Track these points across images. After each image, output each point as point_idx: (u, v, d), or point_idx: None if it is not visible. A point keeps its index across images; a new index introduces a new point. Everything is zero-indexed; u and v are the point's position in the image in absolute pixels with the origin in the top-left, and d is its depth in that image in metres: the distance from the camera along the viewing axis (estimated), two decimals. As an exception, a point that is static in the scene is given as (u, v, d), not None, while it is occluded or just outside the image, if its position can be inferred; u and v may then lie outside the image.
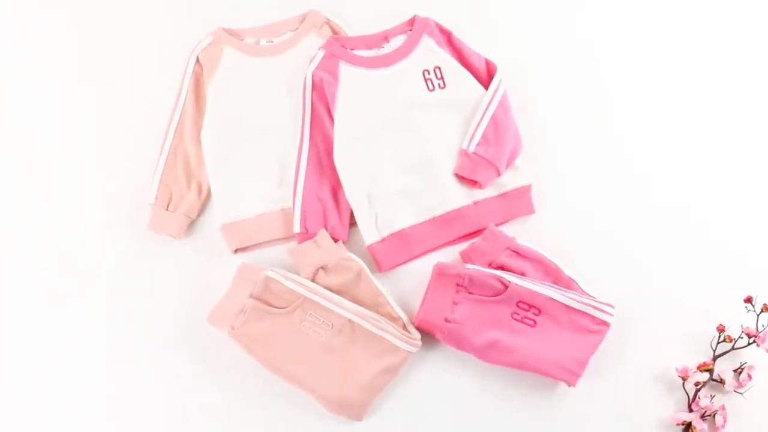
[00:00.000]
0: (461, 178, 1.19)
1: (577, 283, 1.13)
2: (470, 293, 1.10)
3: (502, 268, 1.14)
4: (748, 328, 1.09)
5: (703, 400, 1.07)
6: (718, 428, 1.06)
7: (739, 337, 1.10)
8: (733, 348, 1.10)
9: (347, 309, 1.09)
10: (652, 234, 1.21)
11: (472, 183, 1.19)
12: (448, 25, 1.29)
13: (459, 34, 1.28)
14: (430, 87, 1.24)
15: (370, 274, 1.13)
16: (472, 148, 1.18)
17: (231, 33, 1.31)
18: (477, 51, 1.27)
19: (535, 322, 1.09)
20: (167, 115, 1.26)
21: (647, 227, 1.22)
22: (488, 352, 1.08)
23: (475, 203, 1.19)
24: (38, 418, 1.14)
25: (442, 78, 1.24)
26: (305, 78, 1.21)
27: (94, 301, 1.20)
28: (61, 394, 1.15)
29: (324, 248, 1.14)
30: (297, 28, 1.32)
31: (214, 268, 1.18)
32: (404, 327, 1.11)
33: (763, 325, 1.09)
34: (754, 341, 1.08)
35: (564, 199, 1.23)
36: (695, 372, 1.08)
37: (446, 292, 1.11)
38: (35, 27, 1.42)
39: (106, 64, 1.38)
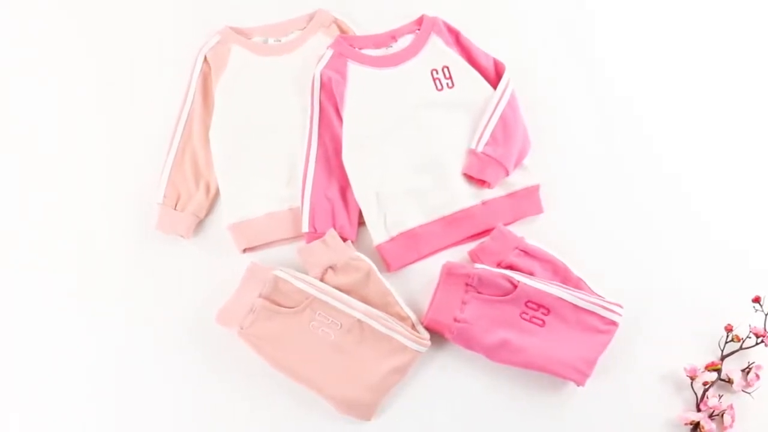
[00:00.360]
0: (470, 178, 1.19)
1: (585, 283, 1.13)
2: (479, 293, 1.10)
3: (510, 267, 1.13)
4: (756, 327, 1.10)
5: (712, 399, 1.07)
6: (726, 428, 1.06)
7: (747, 337, 1.10)
8: (741, 348, 1.10)
9: (356, 309, 1.09)
10: (659, 234, 1.21)
11: (481, 183, 1.19)
12: (453, 25, 1.28)
13: (465, 33, 1.28)
14: (439, 86, 1.23)
15: (379, 274, 1.13)
16: (480, 148, 1.18)
17: (238, 32, 1.31)
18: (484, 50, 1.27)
19: (543, 321, 1.09)
20: (175, 114, 1.26)
21: (654, 227, 1.22)
22: (497, 352, 1.08)
23: (484, 203, 1.19)
24: (45, 418, 1.13)
25: (450, 77, 1.24)
26: (313, 77, 1.21)
27: (101, 301, 1.19)
28: (68, 394, 1.14)
29: (333, 248, 1.13)
30: (305, 27, 1.32)
31: (223, 267, 1.18)
32: (413, 327, 1.11)
33: (771, 325, 1.10)
34: (762, 341, 1.09)
35: (572, 198, 1.23)
36: (703, 372, 1.09)
37: (455, 291, 1.11)
38: (35, 27, 1.41)
39: (107, 63, 1.37)
